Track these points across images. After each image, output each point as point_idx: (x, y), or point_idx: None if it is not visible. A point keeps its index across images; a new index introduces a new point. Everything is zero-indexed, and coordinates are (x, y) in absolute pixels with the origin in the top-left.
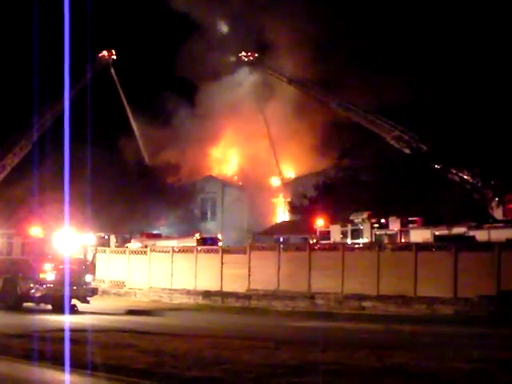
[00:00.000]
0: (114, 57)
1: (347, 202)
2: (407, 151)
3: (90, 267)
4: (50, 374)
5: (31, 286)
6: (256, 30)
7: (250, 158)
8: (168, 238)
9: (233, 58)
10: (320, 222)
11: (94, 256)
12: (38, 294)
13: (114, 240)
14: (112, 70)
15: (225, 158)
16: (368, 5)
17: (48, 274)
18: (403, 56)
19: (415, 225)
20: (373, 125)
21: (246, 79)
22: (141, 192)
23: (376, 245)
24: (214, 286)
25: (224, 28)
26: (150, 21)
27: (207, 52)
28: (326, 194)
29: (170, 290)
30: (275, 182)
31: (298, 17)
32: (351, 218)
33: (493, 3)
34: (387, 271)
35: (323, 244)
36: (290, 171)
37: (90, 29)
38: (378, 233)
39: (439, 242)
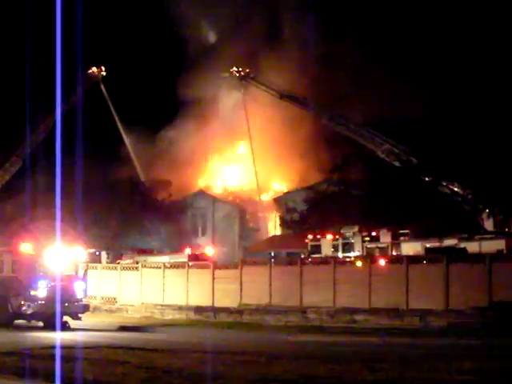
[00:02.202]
0: (104, 73)
1: (338, 216)
2: (397, 164)
3: (82, 284)
4: None
5: (22, 303)
6: (247, 46)
7: (240, 173)
8: (159, 253)
9: (224, 74)
10: (311, 236)
11: (86, 272)
12: (29, 311)
13: (106, 256)
14: (102, 87)
15: (216, 173)
16: (365, 14)
17: (39, 291)
18: (394, 70)
19: (406, 237)
20: (364, 139)
21: (236, 95)
22: (132, 208)
23: (367, 258)
24: (205, 301)
25: (213, 39)
26: (142, 38)
27: (199, 68)
28: (316, 208)
29: (162, 305)
30: (266, 197)
31: (292, 29)
32: (342, 231)
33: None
34: (379, 284)
35: (314, 258)
36: (281, 185)
37: (81, 45)
38: (369, 246)
39: (430, 255)
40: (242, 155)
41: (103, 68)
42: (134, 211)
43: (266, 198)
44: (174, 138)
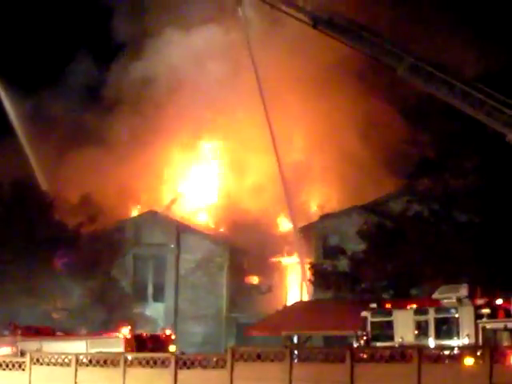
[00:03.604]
0: None
1: (427, 265)
2: None
3: None
4: None
5: None
6: None
7: (233, 180)
8: (69, 335)
9: None
10: (373, 305)
11: None
12: None
13: None
14: None
15: (184, 178)
16: None
17: None
18: None
19: None
20: (480, 111)
21: (232, 25)
22: (15, 243)
23: (486, 349)
24: None
25: None
26: None
27: None
28: (383, 247)
29: None
30: (285, 224)
31: None
32: (435, 296)
33: None
34: None
35: (378, 349)
36: (313, 203)
37: None
38: (489, 326)
39: None
40: (243, 145)
41: None
42: (19, 250)
43: (286, 226)
44: (104, 109)
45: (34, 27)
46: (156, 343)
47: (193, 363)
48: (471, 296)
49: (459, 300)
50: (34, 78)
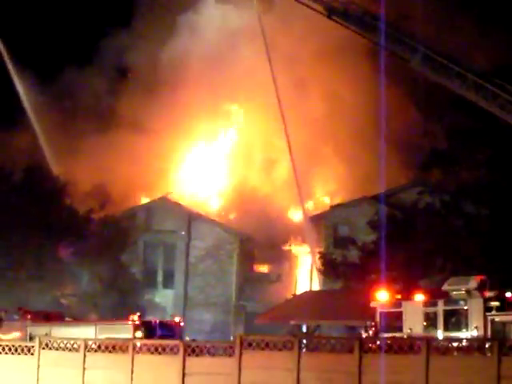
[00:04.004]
0: None
1: (437, 256)
2: None
3: None
4: None
5: None
6: None
7: (245, 168)
8: (78, 321)
9: None
10: (382, 296)
11: None
12: None
13: None
14: None
15: (195, 166)
16: None
17: None
18: None
19: None
20: (495, 104)
21: (243, 16)
22: (26, 227)
23: (495, 342)
24: None
25: None
26: None
27: None
28: (393, 238)
29: None
30: (295, 213)
31: None
32: (445, 288)
33: None
34: None
35: (388, 339)
36: (324, 194)
37: None
38: (498, 319)
39: None
40: (254, 133)
41: None
42: (29, 235)
43: (297, 216)
44: (116, 96)
45: (61, 4)
46: (165, 330)
47: (201, 351)
48: (481, 288)
49: (468, 292)
50: (52, 63)
